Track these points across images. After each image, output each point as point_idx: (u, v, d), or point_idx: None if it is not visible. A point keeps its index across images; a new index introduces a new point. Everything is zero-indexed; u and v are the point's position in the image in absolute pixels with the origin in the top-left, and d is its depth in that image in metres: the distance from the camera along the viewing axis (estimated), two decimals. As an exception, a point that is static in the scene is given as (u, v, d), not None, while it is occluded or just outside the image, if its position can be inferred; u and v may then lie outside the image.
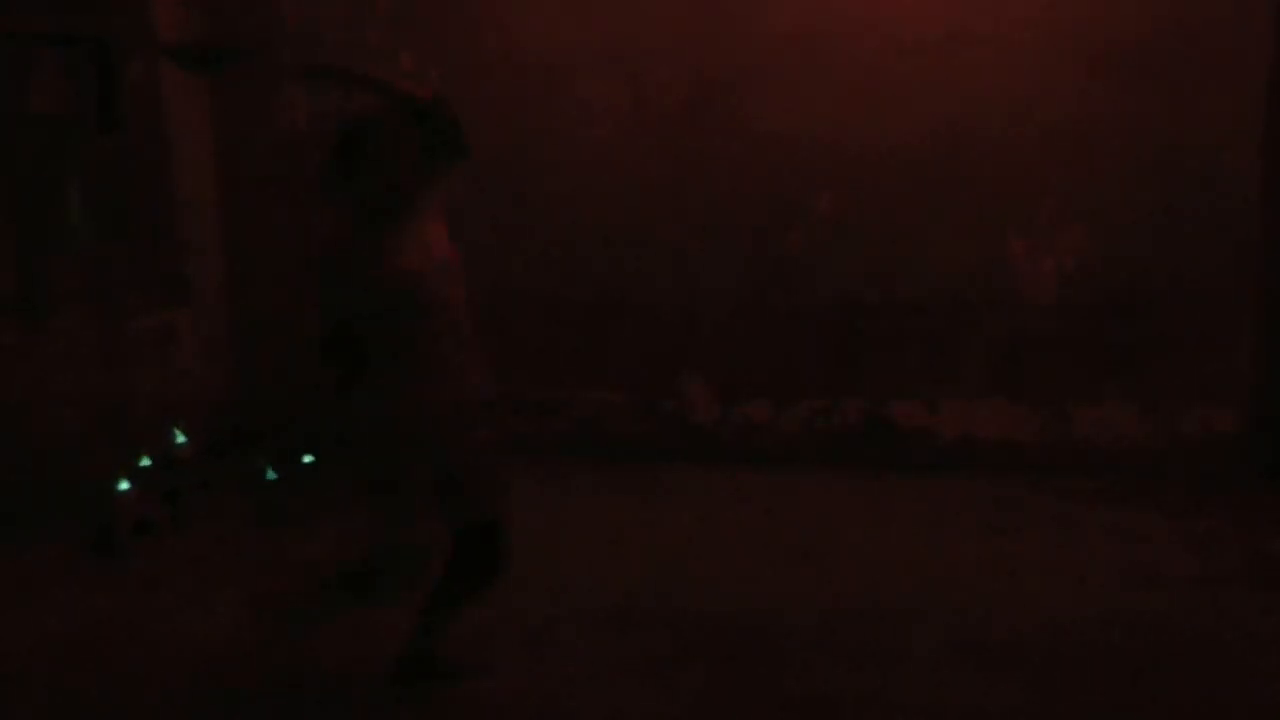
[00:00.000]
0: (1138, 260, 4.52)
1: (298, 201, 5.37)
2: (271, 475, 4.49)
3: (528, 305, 5.18)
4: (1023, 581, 3.63)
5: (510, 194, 5.12)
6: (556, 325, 5.16)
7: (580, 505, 4.55)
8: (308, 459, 4.82)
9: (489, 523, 2.88)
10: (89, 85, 4.81)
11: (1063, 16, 4.43)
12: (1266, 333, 4.47)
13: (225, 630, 3.46)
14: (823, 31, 4.63)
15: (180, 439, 4.83)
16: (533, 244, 5.13)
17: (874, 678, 3.03)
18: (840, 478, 4.71)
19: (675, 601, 3.54)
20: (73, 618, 3.57)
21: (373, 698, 2.99)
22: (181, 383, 5.15)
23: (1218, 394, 4.52)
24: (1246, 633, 3.26)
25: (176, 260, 5.20)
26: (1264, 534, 4.01)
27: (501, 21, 5.01)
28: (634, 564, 3.87)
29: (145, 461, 4.59)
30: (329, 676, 3.08)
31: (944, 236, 4.70)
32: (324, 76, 3.01)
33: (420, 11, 5.10)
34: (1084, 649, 3.16)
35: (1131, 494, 4.42)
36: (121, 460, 4.47)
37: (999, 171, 4.61)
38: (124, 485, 4.25)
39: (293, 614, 3.01)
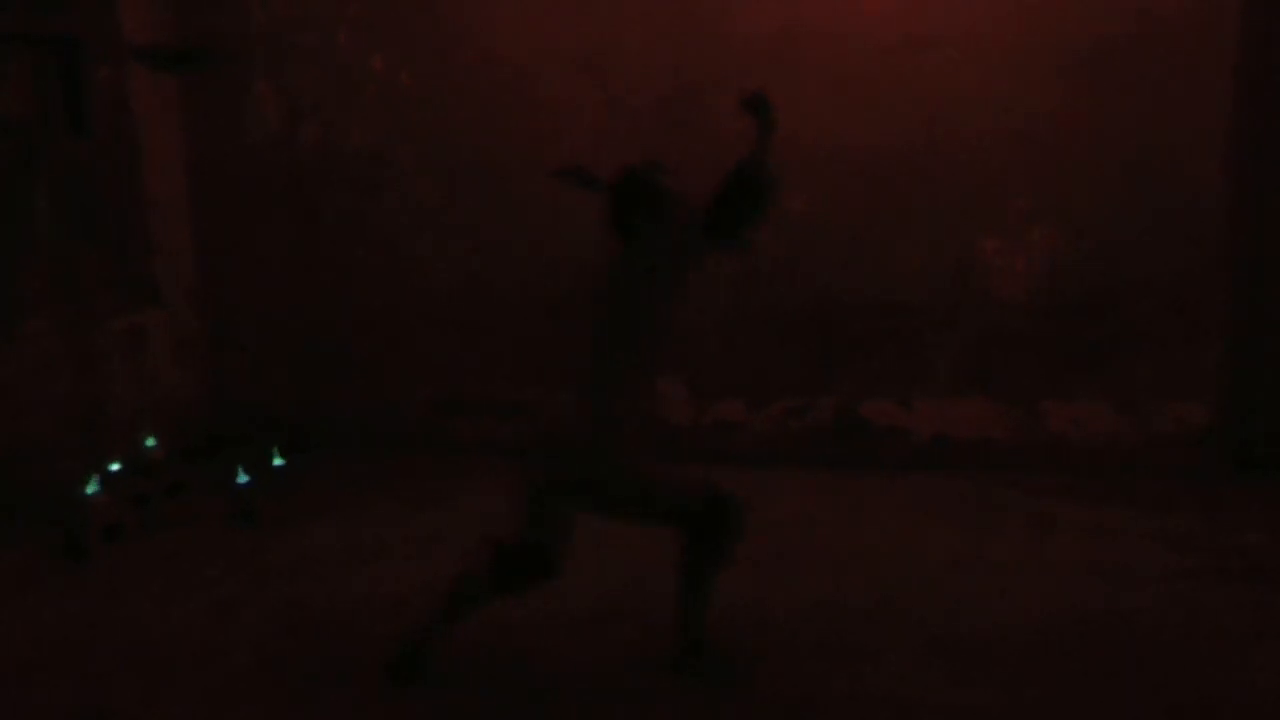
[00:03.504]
0: (1108, 259, 4.55)
1: (268, 204, 5.35)
2: (243, 478, 4.45)
3: (500, 306, 5.17)
4: (997, 579, 3.64)
5: (483, 195, 5.11)
6: (529, 325, 5.15)
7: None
8: (279, 461, 4.79)
9: (710, 498, 2.95)
10: (56, 87, 4.76)
11: (1032, 20, 4.46)
12: (1235, 329, 4.51)
13: (195, 633, 3.42)
14: (795, 34, 4.65)
15: (151, 442, 4.78)
16: (505, 244, 5.12)
17: (849, 675, 3.03)
18: (815, 477, 4.71)
19: (653, 601, 3.52)
20: (40, 621, 3.53)
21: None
22: (153, 385, 5.11)
23: (1188, 390, 4.56)
24: (1220, 628, 3.28)
25: (146, 263, 5.15)
26: (1236, 529, 4.04)
27: (474, 25, 5.00)
28: (610, 565, 3.85)
29: (115, 465, 4.54)
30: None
31: (916, 236, 4.72)
32: (756, 107, 3.03)
33: (392, 14, 5.07)
34: (1058, 646, 3.17)
35: (1104, 490, 4.45)
36: (91, 464, 4.42)
37: (970, 172, 4.63)
38: (93, 489, 4.20)
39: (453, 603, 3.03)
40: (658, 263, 2.88)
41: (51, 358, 4.57)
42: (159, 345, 5.18)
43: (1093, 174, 4.51)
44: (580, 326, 3.12)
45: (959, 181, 4.64)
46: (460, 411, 5.29)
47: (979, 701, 2.88)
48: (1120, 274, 4.55)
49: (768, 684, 3.01)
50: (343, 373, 5.40)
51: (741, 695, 2.98)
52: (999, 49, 4.50)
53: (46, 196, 4.71)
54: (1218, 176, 4.41)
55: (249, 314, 5.47)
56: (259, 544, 4.20)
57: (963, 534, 4.05)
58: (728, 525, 2.94)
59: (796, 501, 4.44)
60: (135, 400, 4.96)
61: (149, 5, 5.08)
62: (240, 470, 4.46)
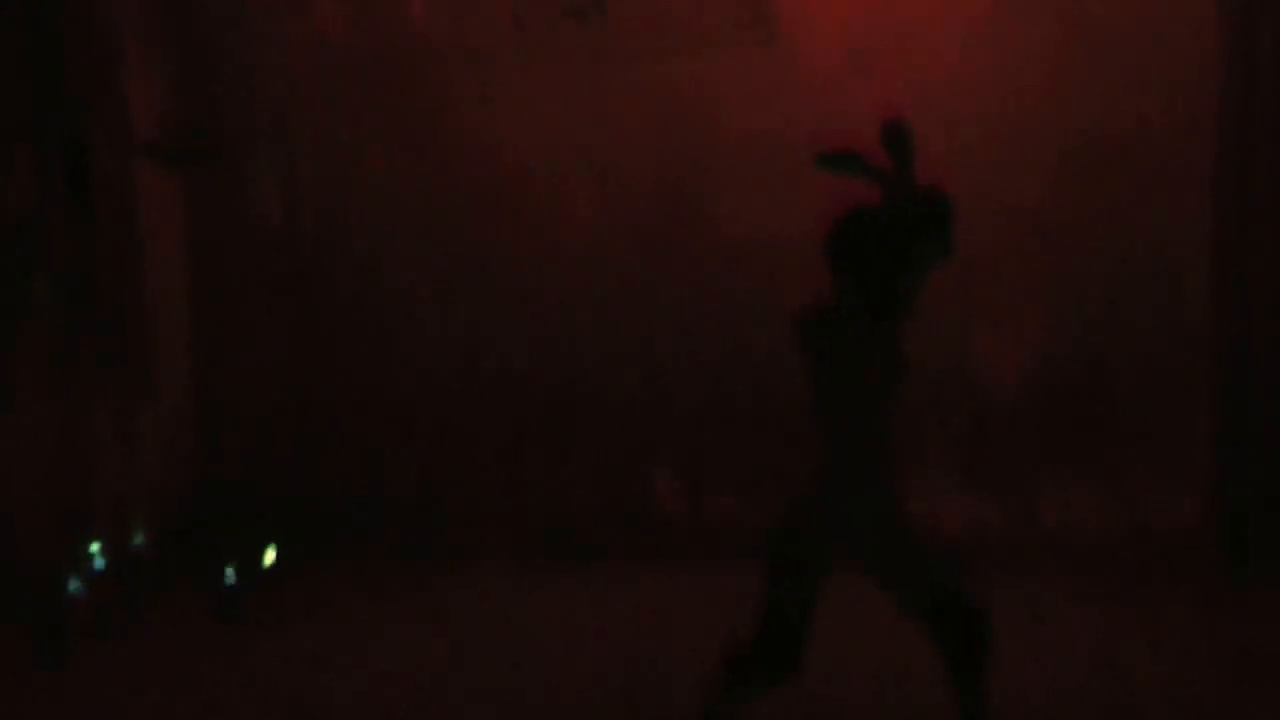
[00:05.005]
0: (1098, 350, 4.61)
1: (266, 295, 5.40)
2: (230, 576, 4.38)
3: (495, 398, 5.18)
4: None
5: (479, 289, 5.17)
6: (523, 418, 5.16)
7: (542, 602, 4.49)
8: (269, 557, 4.74)
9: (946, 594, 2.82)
10: (62, 181, 4.84)
11: (1023, 119, 4.61)
12: (1224, 424, 4.54)
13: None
14: (788, 134, 4.74)
15: (138, 535, 4.72)
16: (500, 338, 5.16)
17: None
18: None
19: (638, 702, 3.47)
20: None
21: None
22: (142, 475, 5.06)
23: (1180, 484, 4.57)
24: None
25: (142, 354, 5.16)
26: (1230, 622, 4.01)
27: (475, 124, 5.12)
28: (596, 665, 3.80)
29: (99, 558, 4.47)
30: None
31: (908, 328, 4.76)
32: (841, 164, 3.02)
33: (394, 111, 5.20)
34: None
35: (1098, 585, 4.41)
36: (76, 556, 4.36)
37: (961, 265, 4.68)
38: (75, 584, 4.13)
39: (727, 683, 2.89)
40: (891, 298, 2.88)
41: (42, 446, 4.54)
42: (150, 434, 5.16)
43: (1082, 269, 4.61)
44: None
45: (949, 274, 4.69)
46: (453, 504, 5.26)
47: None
48: (1111, 365, 4.61)
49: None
50: (336, 463, 5.37)
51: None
52: (990, 145, 4.63)
53: (47, 285, 4.74)
54: (1201, 275, 4.50)
55: (242, 403, 5.46)
56: (245, 643, 4.13)
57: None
58: (967, 632, 2.81)
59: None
60: (124, 489, 4.91)
61: (156, 102, 5.20)
62: (227, 566, 4.40)
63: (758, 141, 4.81)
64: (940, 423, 4.76)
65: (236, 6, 5.29)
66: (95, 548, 4.52)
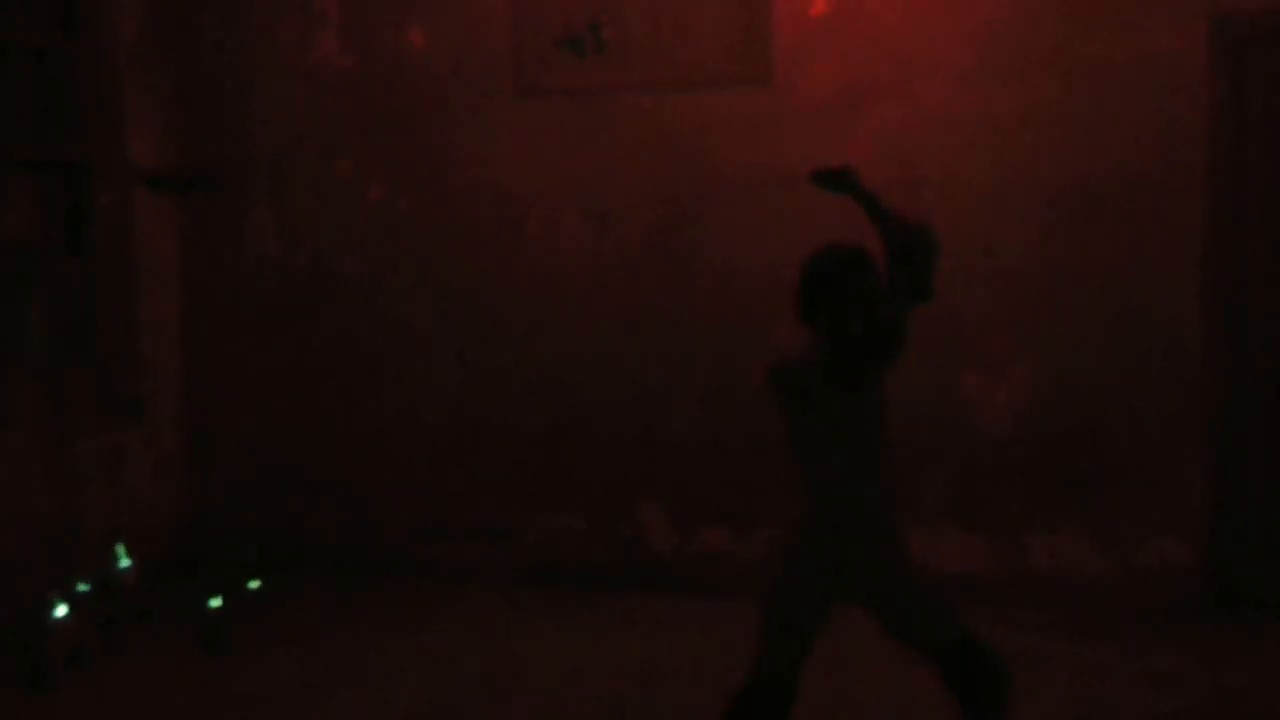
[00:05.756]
0: (1088, 395, 4.62)
1: (259, 326, 5.42)
2: (216, 603, 4.37)
3: (486, 431, 5.19)
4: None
5: (473, 321, 5.19)
6: (514, 451, 5.16)
7: (533, 636, 4.46)
8: (255, 584, 4.72)
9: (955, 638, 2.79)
10: (58, 208, 4.87)
11: (1011, 166, 4.62)
12: (1216, 467, 4.55)
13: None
14: (778, 172, 4.78)
15: (124, 563, 4.71)
16: (493, 370, 5.17)
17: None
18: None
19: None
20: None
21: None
22: (130, 504, 5.06)
23: (1171, 526, 4.57)
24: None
25: (133, 382, 5.17)
26: (1222, 669, 3.99)
27: (471, 158, 5.16)
28: (587, 700, 3.78)
29: (83, 586, 4.45)
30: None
31: (898, 369, 4.78)
32: (832, 181, 2.96)
33: (390, 145, 5.24)
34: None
35: (1089, 627, 4.40)
36: (60, 584, 4.34)
37: (951, 306, 4.71)
38: (59, 612, 4.11)
39: None
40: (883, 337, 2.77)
41: (29, 473, 4.54)
42: (139, 464, 5.16)
43: (1073, 312, 4.62)
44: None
45: (940, 316, 4.73)
46: (442, 538, 5.25)
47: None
48: (1101, 410, 4.61)
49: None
50: (325, 495, 5.37)
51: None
52: (979, 192, 4.66)
53: (40, 314, 4.76)
54: (1190, 318, 4.52)
55: (233, 434, 5.47)
56: (229, 672, 4.11)
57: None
58: (983, 680, 2.78)
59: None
60: (111, 519, 4.90)
61: (155, 131, 5.24)
62: (212, 595, 4.38)
63: (751, 176, 4.85)
64: (932, 464, 4.76)
65: (235, 36, 5.35)
66: (80, 574, 4.50)
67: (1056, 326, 4.64)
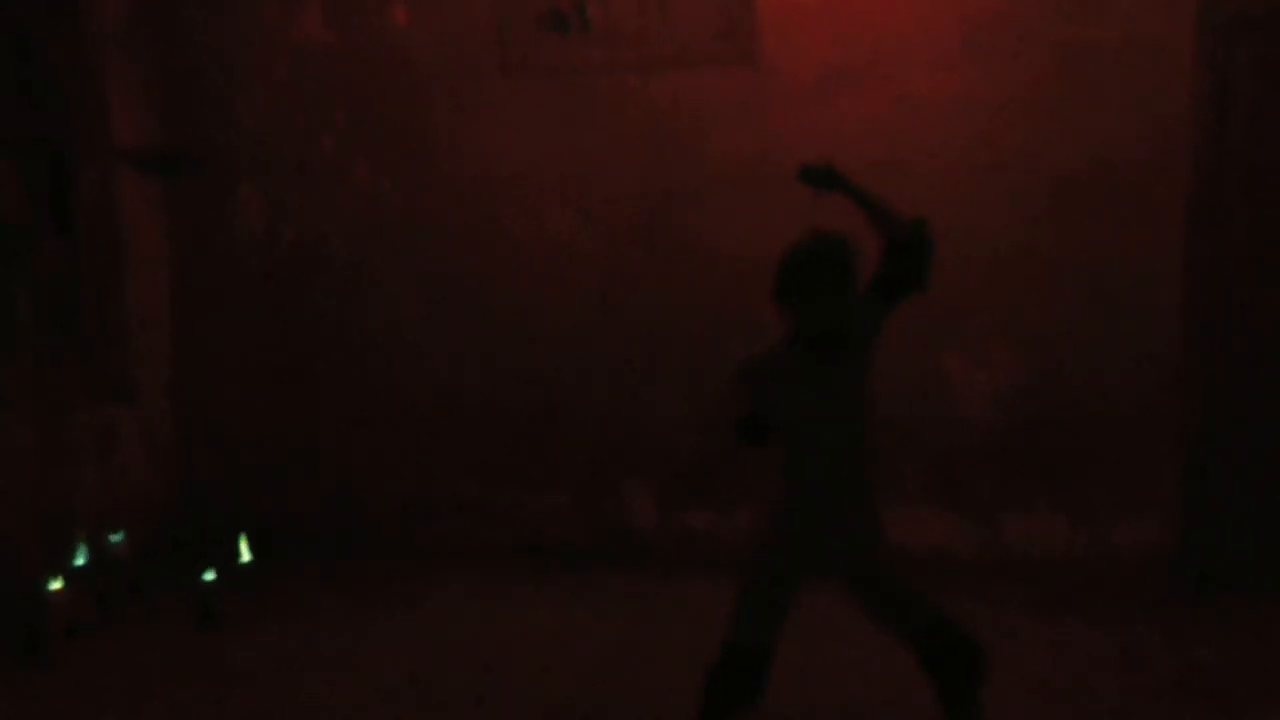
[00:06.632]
0: (1067, 379, 4.68)
1: (246, 305, 5.43)
2: (209, 576, 4.43)
3: (472, 410, 5.23)
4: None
5: (460, 304, 5.21)
6: (499, 431, 5.21)
7: (519, 613, 4.54)
8: (246, 558, 4.78)
9: (930, 619, 2.88)
10: (44, 188, 4.87)
11: (994, 154, 4.65)
12: (1191, 449, 4.62)
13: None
14: (766, 158, 4.82)
15: (117, 537, 4.77)
16: (479, 350, 5.21)
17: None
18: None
19: (615, 712, 3.52)
20: (-6, 724, 3.49)
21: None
22: (122, 483, 5.11)
23: (1146, 507, 4.65)
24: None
25: (123, 361, 5.19)
26: (1193, 646, 4.08)
27: (455, 137, 5.16)
28: (570, 673, 3.85)
29: (79, 561, 4.52)
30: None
31: (881, 351, 4.83)
32: (820, 180, 3.01)
33: (376, 124, 5.24)
34: (1013, 762, 3.19)
35: (1063, 604, 4.49)
36: (55, 560, 4.40)
37: (934, 293, 4.74)
38: (55, 585, 4.18)
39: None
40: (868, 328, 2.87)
41: (21, 452, 4.58)
42: (130, 443, 5.20)
43: (1053, 297, 4.67)
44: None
45: (923, 301, 4.77)
46: (428, 516, 5.31)
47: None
48: (1079, 394, 4.67)
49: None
50: (314, 473, 5.42)
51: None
52: (962, 179, 4.69)
53: (28, 294, 4.78)
54: (1171, 304, 4.57)
55: (222, 413, 5.50)
56: (221, 645, 4.18)
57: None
58: (959, 659, 2.89)
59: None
60: (104, 497, 4.95)
61: (138, 110, 5.23)
62: (205, 569, 4.45)
63: (736, 156, 4.87)
64: (913, 445, 4.82)
65: (218, 14, 5.32)
66: (75, 549, 4.56)
67: (1037, 311, 4.69)
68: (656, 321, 5.01)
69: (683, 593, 4.67)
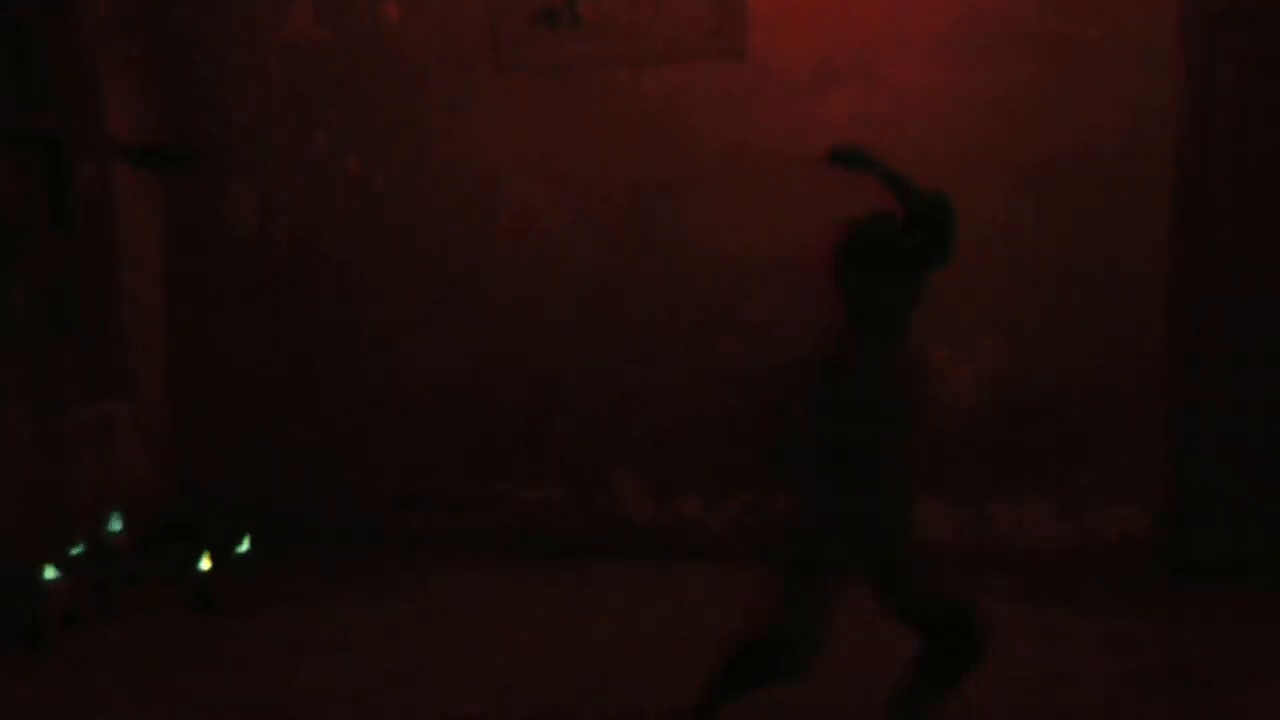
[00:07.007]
0: (1053, 367, 4.72)
1: (240, 299, 5.47)
2: (204, 565, 4.48)
3: (466, 402, 5.27)
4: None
5: (452, 293, 5.25)
6: (493, 422, 5.25)
7: (513, 601, 4.58)
8: (244, 547, 4.82)
9: (956, 609, 2.92)
10: (40, 183, 4.90)
11: (980, 141, 4.69)
12: (1176, 437, 4.67)
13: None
14: (753, 147, 4.87)
15: (116, 525, 4.80)
16: (472, 342, 5.24)
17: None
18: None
19: (610, 697, 3.57)
20: (-6, 709, 3.53)
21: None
22: (119, 473, 5.14)
23: (1132, 495, 4.69)
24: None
25: (118, 354, 5.23)
26: (1179, 633, 4.13)
27: (448, 133, 5.19)
28: (567, 660, 3.89)
29: (77, 550, 4.55)
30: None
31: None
32: (849, 159, 3.07)
33: (368, 120, 5.27)
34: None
35: (1051, 592, 4.53)
36: (53, 549, 4.44)
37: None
38: (52, 574, 4.22)
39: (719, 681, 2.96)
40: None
41: (19, 443, 4.61)
42: (127, 434, 5.24)
43: (1039, 287, 4.71)
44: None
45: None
46: (423, 507, 5.35)
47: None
48: (1065, 383, 4.71)
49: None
50: (308, 465, 5.46)
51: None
52: (948, 167, 4.71)
53: (24, 287, 4.81)
54: (1155, 292, 4.61)
55: (218, 406, 5.54)
56: (218, 632, 4.22)
57: (911, 633, 4.10)
58: (971, 647, 2.93)
59: (753, 598, 4.48)
60: (100, 487, 4.99)
61: (134, 107, 5.27)
62: (202, 557, 4.49)
63: (727, 149, 4.91)
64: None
65: (210, 9, 5.35)
66: (73, 540, 4.60)
67: (1023, 301, 4.73)
68: (649, 312, 5.05)
69: (676, 580, 4.71)
